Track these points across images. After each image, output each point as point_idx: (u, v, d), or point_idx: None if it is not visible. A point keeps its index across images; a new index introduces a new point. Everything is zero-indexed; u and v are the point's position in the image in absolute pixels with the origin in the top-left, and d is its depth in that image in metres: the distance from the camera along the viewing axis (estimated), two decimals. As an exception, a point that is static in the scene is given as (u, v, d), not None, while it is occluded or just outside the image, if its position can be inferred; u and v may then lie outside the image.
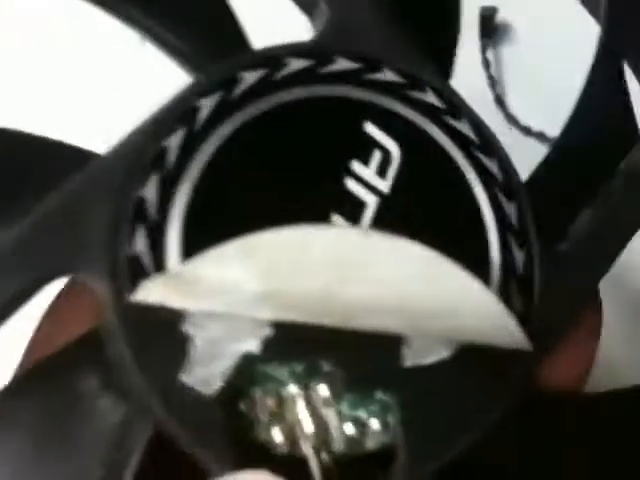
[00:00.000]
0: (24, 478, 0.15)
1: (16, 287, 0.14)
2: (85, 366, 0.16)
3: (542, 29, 0.33)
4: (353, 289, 0.14)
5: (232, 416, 0.15)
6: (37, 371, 0.16)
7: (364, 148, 0.17)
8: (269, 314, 0.15)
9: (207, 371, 0.15)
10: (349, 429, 0.16)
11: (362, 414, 0.16)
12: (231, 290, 0.14)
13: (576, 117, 0.19)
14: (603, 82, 0.20)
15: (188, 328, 0.15)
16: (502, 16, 0.34)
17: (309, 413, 0.16)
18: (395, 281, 0.13)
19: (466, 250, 0.17)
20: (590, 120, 0.20)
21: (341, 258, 0.13)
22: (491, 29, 0.34)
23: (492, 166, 0.18)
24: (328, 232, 0.13)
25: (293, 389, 0.16)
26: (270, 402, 0.16)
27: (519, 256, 0.18)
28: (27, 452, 0.15)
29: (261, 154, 0.16)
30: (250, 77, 0.16)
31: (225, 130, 0.16)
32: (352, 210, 0.16)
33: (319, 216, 0.16)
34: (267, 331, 0.15)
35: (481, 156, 0.18)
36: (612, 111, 0.20)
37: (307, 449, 0.15)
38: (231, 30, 0.18)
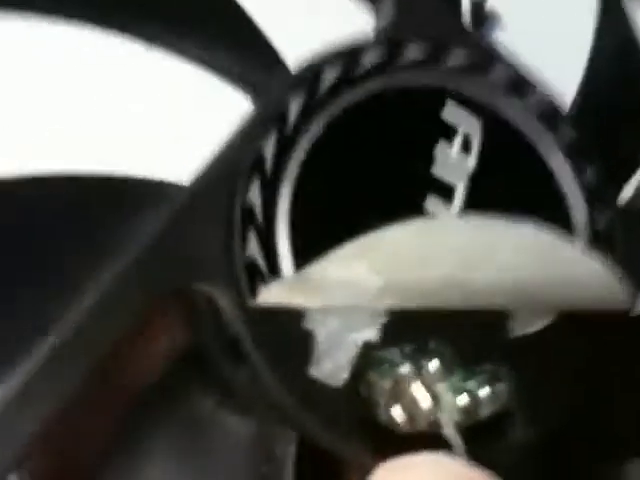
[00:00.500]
0: None
1: (140, 306, 0.14)
2: (198, 387, 0.16)
3: (532, 17, 0.32)
4: (476, 275, 0.14)
5: (356, 402, 0.16)
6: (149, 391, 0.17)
7: (446, 131, 0.17)
8: (389, 302, 0.15)
9: (333, 363, 0.15)
10: (463, 400, 0.17)
11: (473, 385, 0.17)
12: (354, 287, 0.14)
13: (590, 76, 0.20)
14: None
15: (309, 325, 0.15)
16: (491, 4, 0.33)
17: (425, 390, 0.16)
18: (514, 266, 0.14)
19: (549, 217, 0.18)
20: (605, 75, 0.20)
21: (463, 247, 0.14)
22: (481, 17, 0.34)
23: (566, 130, 0.18)
24: (445, 223, 0.14)
25: (406, 368, 0.17)
26: (386, 383, 0.16)
27: (600, 217, 0.18)
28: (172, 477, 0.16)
29: (349, 150, 0.17)
30: (330, 74, 0.17)
31: (314, 130, 0.16)
32: (443, 194, 0.17)
33: (413, 204, 0.16)
34: (383, 318, 0.16)
35: (554, 120, 0.18)
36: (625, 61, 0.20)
37: (444, 419, 0.16)
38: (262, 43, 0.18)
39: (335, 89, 0.17)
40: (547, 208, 0.18)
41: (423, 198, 0.17)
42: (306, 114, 0.16)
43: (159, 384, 0.17)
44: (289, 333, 0.15)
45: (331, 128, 0.16)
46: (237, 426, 0.16)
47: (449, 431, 0.16)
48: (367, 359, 0.16)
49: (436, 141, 0.17)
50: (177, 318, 0.17)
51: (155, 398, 0.17)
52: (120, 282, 0.14)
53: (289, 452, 0.16)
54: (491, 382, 0.17)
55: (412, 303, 0.15)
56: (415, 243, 0.13)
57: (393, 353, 0.17)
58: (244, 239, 0.15)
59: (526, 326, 0.17)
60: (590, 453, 0.17)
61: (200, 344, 0.16)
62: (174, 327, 0.17)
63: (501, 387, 0.17)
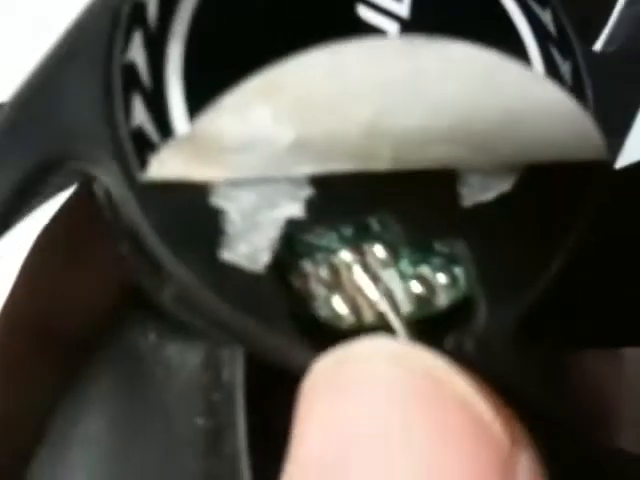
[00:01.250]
0: (124, 449, 0.14)
1: (9, 184, 0.12)
2: (136, 323, 0.15)
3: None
4: (404, 117, 0.11)
5: (287, 295, 0.13)
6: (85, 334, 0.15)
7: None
8: (308, 168, 0.12)
9: (251, 245, 0.13)
10: (415, 287, 0.14)
11: (426, 270, 0.14)
12: (259, 142, 0.12)
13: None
14: None
15: (218, 201, 0.13)
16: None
17: (369, 277, 0.14)
18: (452, 95, 0.11)
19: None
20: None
21: (385, 80, 0.11)
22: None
23: None
24: (364, 48, 0.11)
25: (345, 255, 0.14)
26: (323, 273, 0.14)
27: (565, 68, 0.15)
28: (119, 423, 0.14)
29: None
30: None
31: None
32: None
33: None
34: (308, 191, 0.13)
35: None
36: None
37: (384, 308, 0.13)
38: None
39: None
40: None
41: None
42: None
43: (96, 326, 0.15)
44: (194, 212, 0.12)
45: None
46: (181, 357, 0.14)
47: (393, 320, 0.13)
48: (299, 247, 0.14)
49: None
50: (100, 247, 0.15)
51: (92, 342, 0.15)
52: None
53: (237, 375, 0.14)
54: (448, 265, 0.14)
55: (335, 165, 0.12)
56: (324, 77, 0.11)
57: (329, 238, 0.14)
58: (127, 103, 0.12)
59: (480, 193, 0.14)
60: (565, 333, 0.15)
61: (125, 273, 0.14)
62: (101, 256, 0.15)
63: (459, 270, 0.14)
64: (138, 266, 0.13)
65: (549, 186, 0.14)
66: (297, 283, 0.14)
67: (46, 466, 0.15)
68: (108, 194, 0.13)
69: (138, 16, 0.13)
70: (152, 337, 0.15)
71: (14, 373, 0.15)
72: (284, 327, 0.13)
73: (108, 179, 0.12)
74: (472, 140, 0.12)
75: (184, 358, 0.14)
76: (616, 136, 0.16)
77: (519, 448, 0.11)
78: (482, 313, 0.14)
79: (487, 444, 0.11)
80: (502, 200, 0.14)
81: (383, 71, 0.11)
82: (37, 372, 0.16)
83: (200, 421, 0.14)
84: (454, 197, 0.14)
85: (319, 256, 0.14)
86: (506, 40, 0.15)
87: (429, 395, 0.11)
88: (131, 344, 0.15)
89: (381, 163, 0.13)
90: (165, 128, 0.12)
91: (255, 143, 0.12)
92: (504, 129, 0.12)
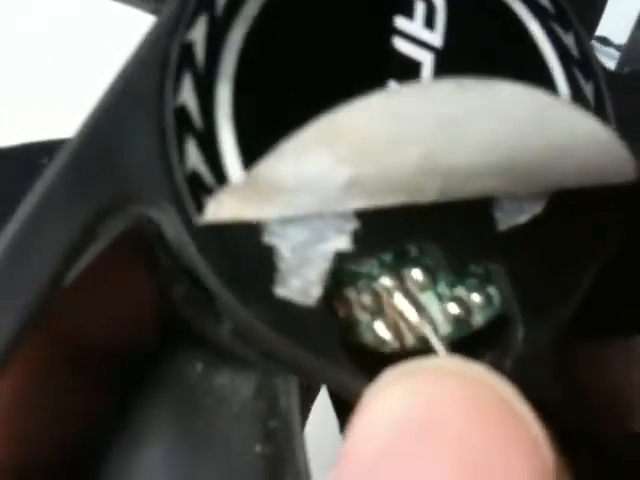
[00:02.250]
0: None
1: (74, 227, 0.12)
2: (183, 353, 0.15)
3: None
4: (454, 154, 0.12)
5: (334, 324, 0.14)
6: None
7: (404, 0, 0.15)
8: (359, 203, 0.13)
9: (302, 279, 0.13)
10: (452, 308, 0.15)
11: (462, 291, 0.15)
12: (315, 183, 0.12)
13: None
14: None
15: (270, 239, 0.13)
16: None
17: (409, 301, 0.15)
18: (501, 137, 0.12)
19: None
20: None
21: (437, 120, 0.11)
22: None
23: None
24: (416, 92, 0.11)
25: (386, 281, 0.15)
26: (366, 300, 0.14)
27: (588, 89, 0.16)
28: (175, 454, 0.14)
29: (293, 27, 0.14)
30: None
31: (252, 8, 0.13)
32: (408, 72, 0.14)
33: (375, 85, 0.14)
34: (354, 223, 0.13)
35: None
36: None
37: (425, 330, 0.14)
38: None
39: None
40: (531, 83, 0.16)
41: (385, 79, 0.14)
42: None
43: (146, 358, 0.15)
44: (248, 251, 0.13)
45: (272, 3, 0.14)
46: (232, 386, 0.15)
47: (435, 343, 0.14)
48: (342, 276, 0.14)
49: (396, 12, 0.15)
50: (139, 272, 0.15)
51: (142, 374, 0.15)
52: (42, 206, 0.12)
53: (293, 402, 0.14)
54: (482, 286, 0.15)
55: (385, 200, 0.13)
56: (381, 120, 0.11)
57: (370, 265, 0.14)
58: (181, 147, 0.13)
59: (515, 216, 0.15)
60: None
61: (172, 304, 0.14)
62: (139, 283, 0.15)
63: (493, 290, 0.15)
64: (195, 304, 0.13)
65: (579, 207, 0.15)
66: (342, 311, 0.14)
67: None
68: (161, 235, 0.13)
69: (187, 58, 0.13)
70: (199, 367, 0.15)
71: (43, 380, 0.15)
72: (335, 357, 0.13)
73: (165, 221, 0.13)
74: (515, 173, 0.13)
75: (235, 387, 0.14)
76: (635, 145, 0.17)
77: (563, 471, 0.12)
78: (518, 333, 0.14)
79: (539, 463, 0.11)
80: (535, 222, 0.15)
81: (435, 112, 0.11)
82: (68, 382, 0.16)
83: (259, 448, 0.14)
84: (490, 221, 0.14)
85: (361, 283, 0.14)
86: (532, 64, 0.16)
87: (493, 410, 0.12)
88: (180, 374, 0.15)
89: (428, 196, 0.13)
90: (218, 170, 0.13)
91: (312, 184, 0.12)
92: (546, 163, 0.13)
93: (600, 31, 0.19)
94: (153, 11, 0.17)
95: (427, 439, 0.11)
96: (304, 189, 0.12)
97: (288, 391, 0.14)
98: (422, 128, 0.12)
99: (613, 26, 0.18)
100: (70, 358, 0.16)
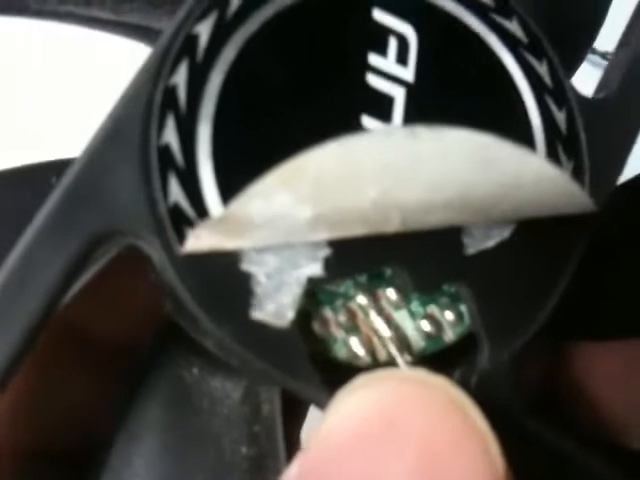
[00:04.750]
0: (177, 473, 0.15)
1: (63, 260, 0.13)
2: (180, 356, 0.16)
3: None
4: (408, 193, 0.13)
5: (309, 340, 0.15)
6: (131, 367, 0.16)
7: (377, 38, 0.16)
8: (325, 235, 0.14)
9: (277, 303, 0.14)
10: (425, 326, 0.16)
11: (434, 309, 0.16)
12: (283, 220, 0.13)
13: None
14: None
15: (247, 266, 0.14)
16: None
17: (383, 319, 0.16)
18: (450, 176, 0.13)
19: (505, 121, 0.16)
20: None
21: (391, 164, 0.12)
22: None
23: (511, 27, 0.17)
24: (371, 139, 0.12)
25: (361, 299, 0.16)
26: (342, 318, 0.15)
27: (560, 116, 0.17)
28: (171, 449, 0.15)
29: (271, 69, 0.15)
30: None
31: (229, 53, 0.15)
32: (380, 107, 0.15)
33: (348, 121, 0.15)
34: (326, 251, 0.15)
35: (497, 18, 0.17)
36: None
37: (391, 350, 0.15)
38: None
39: (249, 2, 0.15)
40: (502, 113, 0.17)
41: (358, 114, 0.15)
42: (218, 36, 0.15)
43: (147, 359, 0.17)
44: (226, 277, 0.14)
45: (249, 47, 0.15)
46: (224, 390, 0.16)
47: (397, 357, 0.15)
48: (318, 295, 0.15)
49: (369, 49, 0.16)
50: (140, 277, 0.16)
51: (143, 373, 0.17)
52: (34, 239, 0.13)
53: (276, 410, 0.15)
54: (454, 304, 0.16)
55: (351, 232, 0.14)
56: (338, 165, 0.12)
57: (346, 286, 0.16)
58: (164, 183, 0.14)
59: (483, 241, 0.16)
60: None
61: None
62: (140, 287, 0.17)
63: (464, 308, 0.16)
64: (183, 318, 0.15)
65: (544, 233, 0.16)
66: (318, 328, 0.15)
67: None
68: (148, 258, 0.14)
69: (170, 101, 0.14)
70: (195, 371, 0.16)
71: (50, 370, 0.17)
72: (305, 374, 0.14)
73: (150, 251, 0.14)
74: (469, 208, 0.14)
75: (226, 391, 0.16)
76: (611, 174, 0.17)
77: None
78: (484, 351, 0.15)
79: (489, 469, 0.13)
80: (502, 247, 0.16)
81: (388, 156, 0.13)
82: (74, 371, 0.17)
83: (244, 449, 0.15)
84: (459, 246, 0.15)
85: (338, 303, 0.16)
86: (505, 94, 0.17)
87: (450, 415, 0.13)
88: (177, 376, 0.16)
89: (391, 227, 0.14)
90: (199, 204, 0.14)
91: (278, 220, 0.13)
92: (498, 199, 0.14)
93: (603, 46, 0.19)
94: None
95: (387, 438, 0.12)
96: (272, 225, 0.13)
97: (271, 399, 0.15)
98: (377, 171, 0.13)
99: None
100: (76, 352, 0.17)
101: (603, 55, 0.30)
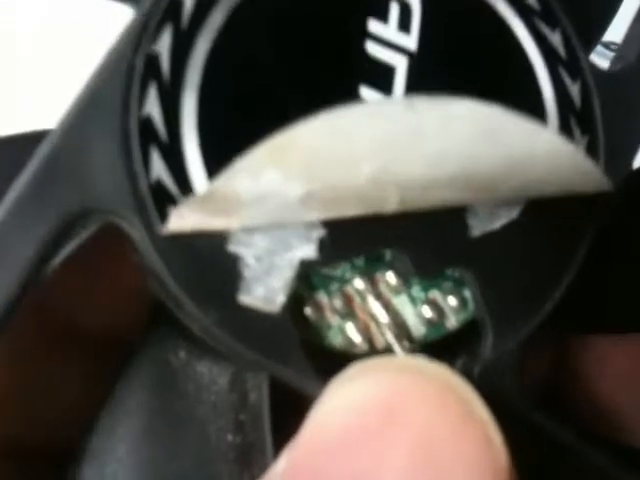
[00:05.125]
0: (160, 458, 0.15)
1: (38, 239, 0.13)
2: (167, 340, 0.15)
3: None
4: (406, 168, 0.12)
5: (302, 326, 0.14)
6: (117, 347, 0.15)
7: (378, 3, 0.15)
8: (318, 214, 0.13)
9: (267, 287, 0.13)
10: (426, 312, 0.15)
11: (436, 294, 0.15)
12: (272, 198, 0.12)
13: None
14: None
15: (235, 247, 0.13)
16: None
17: (381, 304, 0.15)
18: (452, 150, 0.12)
19: (515, 92, 0.15)
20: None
21: (387, 137, 0.11)
22: None
23: None
24: (366, 110, 0.11)
25: (359, 284, 0.15)
26: (338, 303, 0.15)
27: (574, 89, 0.16)
28: (155, 433, 0.15)
29: (261, 36, 0.14)
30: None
31: (216, 19, 0.14)
32: (381, 77, 0.14)
33: (346, 92, 0.14)
34: (320, 232, 0.14)
35: None
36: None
37: (388, 337, 0.14)
38: None
39: None
40: (511, 80, 0.15)
41: (357, 85, 0.14)
42: (204, 1, 0.14)
43: (134, 342, 0.16)
44: (212, 259, 0.13)
45: (238, 13, 0.14)
46: (211, 375, 0.15)
47: (395, 345, 0.14)
48: (314, 279, 0.14)
49: (369, 15, 0.15)
50: (125, 258, 0.15)
51: (130, 356, 0.16)
52: (7, 215, 0.12)
53: (263, 398, 0.15)
54: (457, 289, 0.15)
55: (346, 212, 0.13)
56: (331, 138, 0.11)
57: (343, 268, 0.15)
58: (146, 157, 0.13)
59: (489, 222, 0.15)
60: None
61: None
62: (125, 269, 0.16)
63: (468, 293, 0.15)
64: (168, 300, 0.14)
65: (555, 213, 0.15)
66: (312, 314, 0.14)
67: (86, 472, 0.16)
68: (129, 237, 0.13)
69: (152, 69, 0.13)
70: (182, 354, 0.15)
71: (34, 360, 0.16)
72: (296, 362, 0.13)
73: (131, 230, 0.13)
74: (473, 185, 0.13)
75: (214, 376, 0.15)
76: (628, 151, 0.16)
77: (511, 472, 0.12)
78: (489, 340, 0.15)
79: (491, 461, 0.12)
80: (509, 228, 0.15)
81: (384, 130, 0.12)
82: (59, 361, 0.16)
83: (230, 437, 0.15)
84: (463, 228, 0.14)
85: (333, 287, 0.15)
86: (515, 64, 0.15)
87: (450, 405, 0.12)
88: (163, 359, 0.16)
89: (388, 207, 0.13)
90: (183, 180, 0.13)
91: (267, 198, 0.12)
92: (505, 174, 0.13)
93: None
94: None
95: (383, 431, 0.12)
96: (261, 203, 0.12)
97: (259, 387, 0.15)
98: (373, 145, 0.12)
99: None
100: (60, 340, 0.16)
101: (607, 45, 0.28)
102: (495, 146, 0.12)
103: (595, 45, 0.16)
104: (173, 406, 0.15)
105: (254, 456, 0.15)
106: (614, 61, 0.16)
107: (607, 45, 0.30)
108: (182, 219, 0.13)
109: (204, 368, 0.15)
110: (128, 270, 0.16)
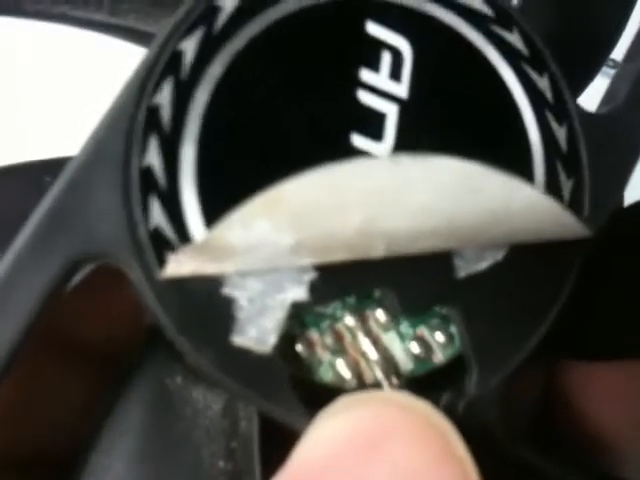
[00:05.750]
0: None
1: (42, 283, 0.13)
2: (164, 364, 0.16)
3: None
4: (392, 221, 0.13)
5: (293, 363, 0.15)
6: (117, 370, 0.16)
7: (370, 52, 0.15)
8: (309, 260, 0.14)
9: (259, 328, 0.14)
10: (414, 348, 0.16)
11: (424, 330, 0.16)
12: (264, 246, 0.13)
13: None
14: None
15: (229, 291, 0.14)
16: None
17: (370, 341, 0.15)
18: (436, 203, 0.12)
19: (502, 137, 0.16)
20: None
21: (374, 192, 0.12)
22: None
23: (512, 39, 0.16)
24: (354, 168, 0.12)
25: (349, 321, 0.15)
26: (329, 339, 0.15)
27: (560, 133, 0.16)
28: (150, 456, 0.15)
29: (258, 88, 0.15)
30: (228, 3, 0.15)
31: (215, 70, 0.14)
32: (372, 125, 0.15)
33: (338, 140, 0.15)
34: (311, 275, 0.14)
35: (498, 30, 0.16)
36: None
37: (377, 373, 0.15)
38: None
39: (236, 17, 0.15)
40: (499, 130, 0.16)
41: (349, 132, 0.15)
42: (205, 53, 0.14)
43: (133, 365, 0.16)
44: (207, 302, 0.14)
45: (236, 64, 0.14)
46: (205, 401, 0.16)
47: (382, 380, 0.15)
48: (306, 317, 0.15)
49: (361, 64, 0.15)
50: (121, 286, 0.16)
51: (127, 375, 0.16)
52: (14, 263, 0.13)
53: (253, 428, 0.15)
54: (444, 325, 0.16)
55: (335, 257, 0.14)
56: (321, 193, 0.12)
57: (334, 306, 0.15)
58: (145, 205, 0.14)
59: (475, 264, 0.15)
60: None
61: None
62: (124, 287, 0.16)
63: (454, 329, 0.16)
64: (162, 338, 0.14)
65: (539, 255, 0.15)
66: (304, 351, 0.15)
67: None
68: (131, 282, 0.14)
69: (153, 121, 0.14)
70: (178, 379, 0.16)
71: (35, 378, 0.17)
72: (284, 399, 0.14)
73: (130, 273, 0.14)
74: (457, 235, 0.13)
75: (208, 402, 0.16)
76: (613, 192, 0.17)
77: None
78: (474, 375, 0.15)
79: None
80: (494, 269, 0.15)
81: (371, 185, 0.12)
82: (59, 379, 0.17)
83: (222, 463, 0.15)
84: (449, 269, 0.15)
85: (324, 324, 0.15)
86: (503, 109, 0.16)
87: (429, 439, 0.13)
88: (160, 383, 0.16)
89: (376, 253, 0.14)
90: (181, 227, 0.14)
91: (259, 247, 0.13)
92: (487, 226, 0.13)
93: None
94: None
95: (365, 461, 0.12)
96: (254, 251, 0.13)
97: (249, 417, 0.15)
98: (360, 198, 0.12)
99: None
100: (61, 355, 0.17)
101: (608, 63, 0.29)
102: (476, 200, 0.12)
103: (584, 89, 0.17)
104: (171, 428, 0.16)
105: None
106: (602, 102, 0.17)
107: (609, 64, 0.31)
108: (179, 265, 0.13)
109: (199, 394, 0.16)
110: (128, 294, 0.16)
